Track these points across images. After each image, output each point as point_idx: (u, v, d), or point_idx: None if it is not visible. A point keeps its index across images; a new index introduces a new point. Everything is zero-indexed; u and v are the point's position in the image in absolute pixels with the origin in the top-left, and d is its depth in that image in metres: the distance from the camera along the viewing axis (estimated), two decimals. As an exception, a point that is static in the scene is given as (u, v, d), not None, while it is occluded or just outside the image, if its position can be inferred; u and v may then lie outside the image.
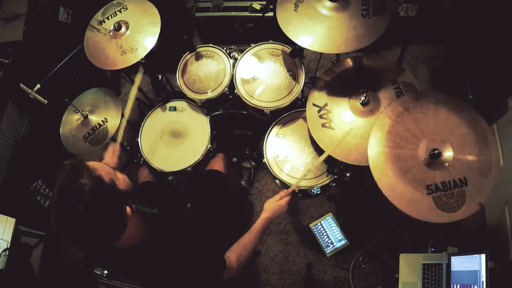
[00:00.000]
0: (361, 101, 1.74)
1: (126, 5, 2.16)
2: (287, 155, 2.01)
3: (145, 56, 2.00)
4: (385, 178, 1.46)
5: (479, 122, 1.48)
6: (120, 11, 2.15)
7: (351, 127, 1.68)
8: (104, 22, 2.15)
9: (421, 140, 1.49)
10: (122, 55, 2.02)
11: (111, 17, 2.15)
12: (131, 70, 2.66)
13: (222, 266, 1.42)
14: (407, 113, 1.54)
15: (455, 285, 1.85)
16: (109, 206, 1.09)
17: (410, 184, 1.43)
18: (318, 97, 1.85)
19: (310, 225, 2.53)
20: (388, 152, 1.50)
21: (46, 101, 2.00)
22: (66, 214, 1.04)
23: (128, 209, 1.16)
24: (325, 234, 2.50)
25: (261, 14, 2.19)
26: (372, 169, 1.48)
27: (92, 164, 1.12)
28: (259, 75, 2.15)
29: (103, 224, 1.08)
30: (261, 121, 2.19)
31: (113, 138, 2.10)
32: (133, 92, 1.84)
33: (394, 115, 1.55)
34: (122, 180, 1.19)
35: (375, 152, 1.51)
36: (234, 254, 1.50)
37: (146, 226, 1.29)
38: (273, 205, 1.64)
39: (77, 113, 2.17)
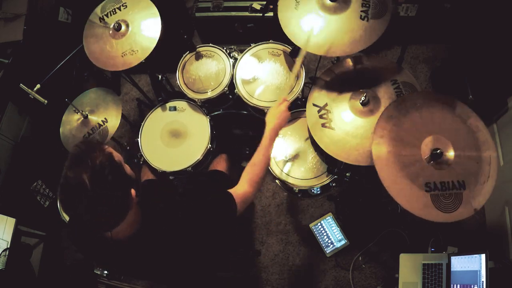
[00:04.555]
0: (361, 101, 1.74)
1: (125, 2, 2.14)
2: (287, 155, 2.01)
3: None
4: (387, 170, 1.46)
5: (482, 129, 1.49)
6: (119, 8, 2.13)
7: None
8: (103, 19, 2.14)
9: (425, 138, 1.50)
10: (122, 56, 2.02)
11: (110, 15, 2.14)
12: (132, 70, 2.66)
13: (230, 201, 1.38)
14: (414, 109, 1.54)
15: (455, 285, 1.85)
16: (116, 183, 1.11)
17: (410, 179, 1.44)
18: (318, 97, 1.85)
19: (310, 225, 2.53)
20: (391, 145, 1.50)
21: (46, 101, 2.00)
22: (72, 181, 1.05)
23: (133, 192, 1.16)
24: (325, 234, 2.50)
25: (261, 14, 2.19)
26: (375, 161, 1.49)
27: (105, 145, 1.17)
28: (259, 75, 2.15)
29: (107, 200, 1.08)
30: (261, 121, 2.18)
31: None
32: None
33: (401, 111, 1.55)
34: (128, 168, 1.22)
35: (379, 144, 1.51)
36: (245, 177, 1.48)
37: (140, 217, 1.28)
38: (273, 112, 1.61)
39: (77, 113, 2.17)
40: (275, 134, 1.58)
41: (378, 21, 1.65)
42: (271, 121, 1.59)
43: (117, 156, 1.17)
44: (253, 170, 1.50)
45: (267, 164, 1.55)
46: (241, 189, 1.44)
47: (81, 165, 1.06)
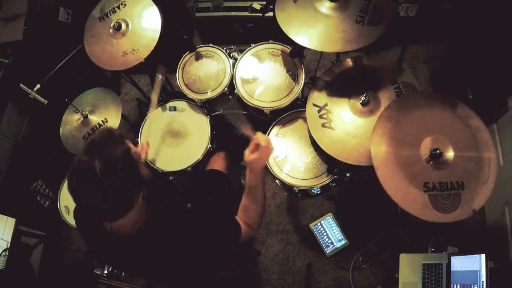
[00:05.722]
0: (361, 101, 1.74)
1: (124, 1, 2.15)
2: (287, 155, 2.01)
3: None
4: (385, 169, 1.46)
5: (483, 130, 1.49)
6: (118, 7, 2.14)
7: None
8: (104, 19, 2.14)
9: (424, 138, 1.50)
10: (123, 56, 2.02)
11: (110, 14, 2.14)
12: (132, 70, 2.66)
13: (237, 227, 1.37)
14: (414, 109, 1.54)
15: (455, 285, 1.85)
16: (125, 180, 1.11)
17: (408, 179, 1.44)
18: (318, 97, 1.85)
19: (310, 225, 2.53)
20: (391, 145, 1.50)
21: (46, 101, 2.00)
22: (84, 165, 1.07)
23: (141, 195, 1.17)
24: (325, 234, 2.50)
25: (261, 14, 2.19)
26: (374, 160, 1.48)
27: (127, 140, 1.18)
28: (259, 75, 2.15)
29: (113, 192, 1.08)
30: (261, 121, 2.19)
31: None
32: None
33: (400, 111, 1.55)
34: (145, 169, 1.22)
35: (378, 143, 1.51)
36: (242, 218, 1.44)
37: (145, 219, 1.28)
38: (252, 156, 1.42)
39: (77, 113, 2.17)
40: (260, 175, 1.45)
41: (373, 27, 1.64)
42: (249, 165, 1.45)
43: (135, 154, 1.17)
44: (246, 214, 1.44)
45: (262, 203, 1.45)
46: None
47: (97, 153, 1.08)
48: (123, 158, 1.10)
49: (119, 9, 2.14)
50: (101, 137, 1.13)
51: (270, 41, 2.22)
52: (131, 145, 1.18)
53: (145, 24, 2.06)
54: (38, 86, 2.00)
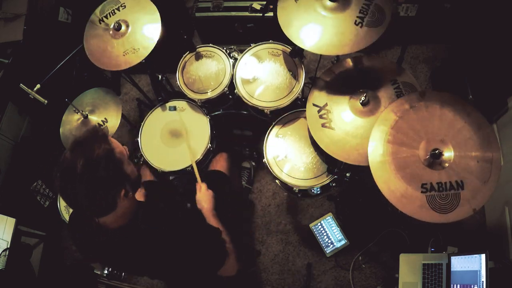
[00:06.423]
0: (361, 101, 1.74)
1: (124, 3, 2.15)
2: (287, 155, 2.01)
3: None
4: (382, 170, 1.46)
5: (484, 128, 1.47)
6: (118, 9, 2.14)
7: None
8: (103, 21, 2.14)
9: (423, 138, 1.49)
10: (124, 55, 2.02)
11: (110, 16, 2.14)
12: (132, 70, 2.66)
13: (224, 254, 1.44)
14: (412, 110, 1.54)
15: (455, 285, 1.85)
16: (107, 178, 1.13)
17: (405, 180, 1.44)
18: (318, 97, 1.85)
19: (310, 225, 2.53)
20: (389, 146, 1.50)
21: (46, 101, 2.00)
22: (67, 163, 1.10)
23: (122, 192, 1.18)
24: (325, 234, 2.50)
25: (261, 14, 2.19)
26: (370, 161, 1.49)
27: (112, 139, 1.20)
28: (259, 75, 2.15)
29: (93, 191, 1.11)
30: (261, 121, 2.19)
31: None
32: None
33: (399, 111, 1.55)
34: (130, 167, 1.23)
35: (376, 144, 1.51)
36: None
37: (134, 209, 1.30)
38: (200, 199, 1.69)
39: (77, 113, 2.17)
40: (213, 213, 1.64)
41: (372, 29, 1.63)
42: (202, 206, 1.66)
43: (119, 153, 1.18)
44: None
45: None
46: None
47: (80, 152, 1.11)
48: (104, 157, 1.12)
49: (119, 11, 2.14)
50: (85, 136, 1.16)
51: (270, 41, 2.22)
52: (116, 143, 1.20)
53: (145, 24, 2.06)
54: (38, 86, 2.00)
